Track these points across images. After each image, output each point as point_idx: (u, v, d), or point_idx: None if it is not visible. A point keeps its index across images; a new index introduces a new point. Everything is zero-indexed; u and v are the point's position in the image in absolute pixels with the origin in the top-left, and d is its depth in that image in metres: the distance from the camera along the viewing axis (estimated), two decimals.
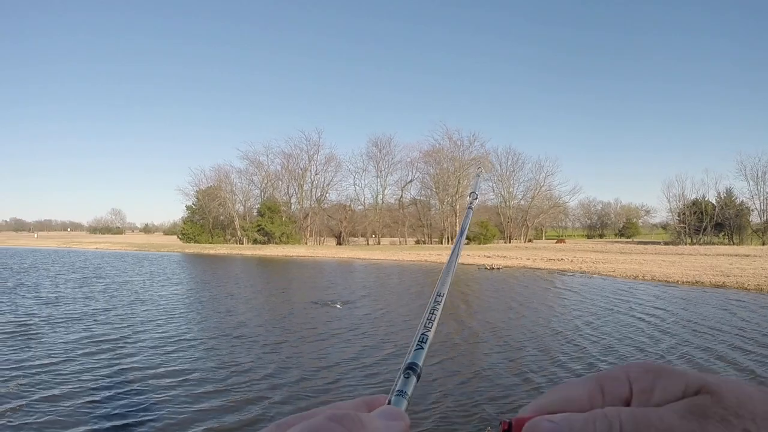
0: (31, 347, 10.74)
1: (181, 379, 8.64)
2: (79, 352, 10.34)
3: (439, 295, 0.72)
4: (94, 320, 14.05)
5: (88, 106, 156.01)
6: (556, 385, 0.42)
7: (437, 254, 46.76)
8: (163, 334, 12.28)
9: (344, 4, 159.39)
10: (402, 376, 0.54)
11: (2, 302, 17.40)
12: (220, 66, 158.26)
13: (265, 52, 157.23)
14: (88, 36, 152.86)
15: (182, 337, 12.01)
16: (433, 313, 0.67)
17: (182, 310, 16.36)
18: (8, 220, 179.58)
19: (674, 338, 12.04)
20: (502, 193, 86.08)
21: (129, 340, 11.59)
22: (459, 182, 75.24)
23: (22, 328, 12.67)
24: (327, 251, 56.78)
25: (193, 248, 65.71)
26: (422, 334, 0.62)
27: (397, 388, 0.53)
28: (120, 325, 13.36)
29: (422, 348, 0.59)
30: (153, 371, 9.07)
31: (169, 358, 10.10)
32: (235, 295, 20.69)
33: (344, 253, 54.45)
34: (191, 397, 7.66)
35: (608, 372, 0.44)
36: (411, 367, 0.55)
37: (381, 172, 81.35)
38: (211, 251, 60.51)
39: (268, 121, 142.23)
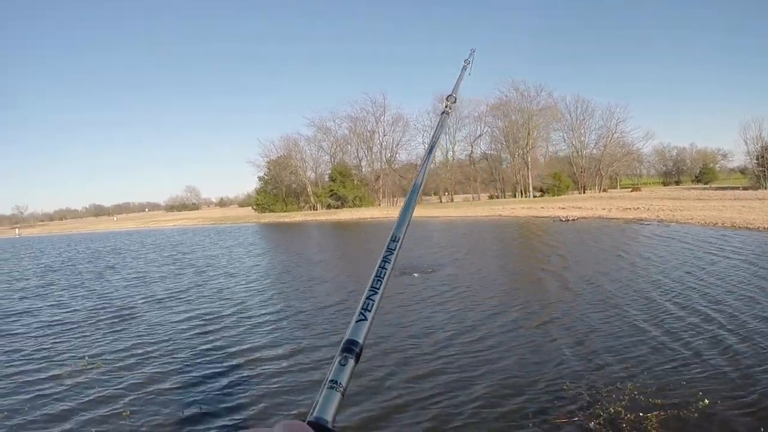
0: (137, 329, 11.04)
1: (276, 353, 8.82)
2: (187, 332, 10.53)
3: (394, 241, 0.69)
4: (188, 299, 14.35)
5: (157, 89, 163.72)
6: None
7: (511, 208, 47.41)
8: (257, 310, 12.35)
9: None
10: (337, 362, 0.47)
11: (96, 285, 18.22)
12: (280, 38, 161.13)
13: (324, 20, 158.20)
14: (159, 20, 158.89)
15: (267, 312, 12.14)
16: (383, 268, 0.59)
17: (269, 282, 16.75)
18: (88, 206, 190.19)
19: None
20: (573, 142, 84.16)
21: (229, 317, 11.79)
22: (529, 134, 74.54)
23: (126, 311, 12.96)
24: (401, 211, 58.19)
25: (268, 217, 69.09)
26: (366, 299, 0.52)
27: (329, 378, 0.46)
28: (217, 301, 13.63)
29: (364, 319, 0.49)
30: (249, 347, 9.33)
31: (259, 333, 10.28)
32: (312, 262, 21.26)
33: (417, 211, 55.23)
34: (283, 374, 7.77)
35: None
36: (348, 348, 0.47)
37: (449, 128, 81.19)
38: (287, 219, 63.69)
39: (333, 87, 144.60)
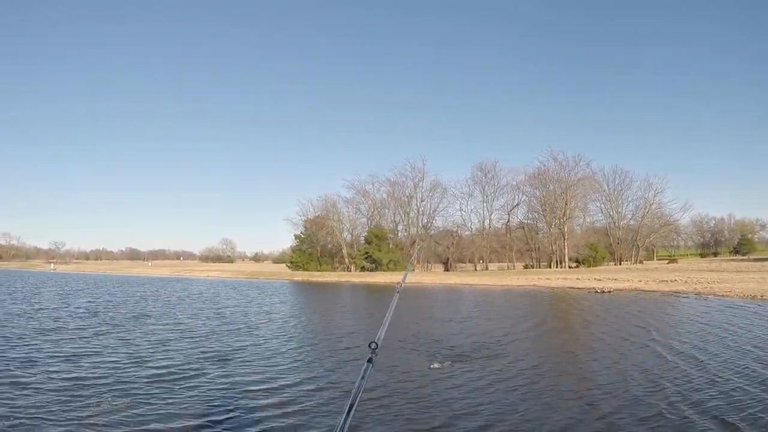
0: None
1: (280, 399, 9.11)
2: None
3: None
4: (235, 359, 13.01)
5: (203, 142, 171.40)
6: None
7: (546, 278, 47.72)
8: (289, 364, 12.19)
9: (444, 37, 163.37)
10: None
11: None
12: (323, 103, 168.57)
13: (368, 87, 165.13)
14: (202, 76, 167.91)
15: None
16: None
17: (292, 336, 17.05)
18: (124, 249, 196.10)
19: None
20: (611, 213, 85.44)
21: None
22: (566, 204, 75.65)
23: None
24: (435, 277, 59.34)
25: (301, 276, 70.53)
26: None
27: None
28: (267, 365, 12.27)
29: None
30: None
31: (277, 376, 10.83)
32: (337, 326, 20.11)
33: (452, 278, 56.66)
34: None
35: None
36: None
37: (487, 196, 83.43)
38: (320, 279, 64.91)
39: (374, 153, 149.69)
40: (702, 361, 11.62)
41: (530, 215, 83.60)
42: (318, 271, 77.27)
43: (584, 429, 7.32)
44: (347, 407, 1.89)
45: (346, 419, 1.83)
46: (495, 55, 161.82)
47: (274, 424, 7.70)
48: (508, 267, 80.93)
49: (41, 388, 9.55)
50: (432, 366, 11.72)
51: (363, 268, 75.50)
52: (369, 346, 2.36)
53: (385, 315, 2.90)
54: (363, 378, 2.08)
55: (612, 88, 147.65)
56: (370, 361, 2.25)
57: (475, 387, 9.92)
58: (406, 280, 4.23)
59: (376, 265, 74.51)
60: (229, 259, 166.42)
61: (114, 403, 8.62)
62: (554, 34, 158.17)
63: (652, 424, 7.42)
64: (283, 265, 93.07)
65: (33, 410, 8.17)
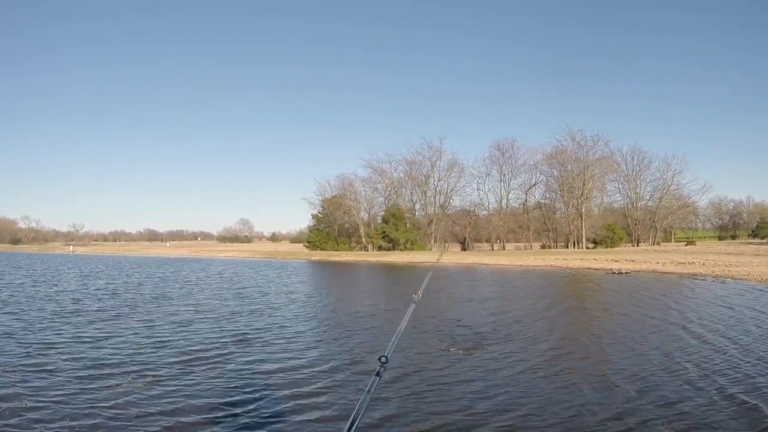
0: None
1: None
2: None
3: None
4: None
5: (216, 124, 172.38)
6: None
7: (563, 259, 47.93)
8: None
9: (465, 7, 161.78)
10: None
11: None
12: (340, 84, 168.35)
13: (385, 60, 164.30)
14: (220, 58, 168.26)
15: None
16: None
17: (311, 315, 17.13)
18: (142, 230, 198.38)
19: None
20: (629, 193, 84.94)
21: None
22: (584, 184, 75.55)
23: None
24: (452, 257, 59.67)
25: (318, 255, 71.11)
26: None
27: None
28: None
29: None
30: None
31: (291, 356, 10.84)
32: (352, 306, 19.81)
33: (469, 257, 57.15)
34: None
35: None
36: None
37: (504, 176, 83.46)
38: (337, 258, 65.45)
39: (390, 130, 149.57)
40: (724, 346, 11.42)
41: (548, 195, 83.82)
42: (335, 250, 77.71)
43: (608, 411, 7.26)
44: (349, 423, 1.82)
45: None
46: (514, 33, 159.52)
47: (293, 406, 7.73)
48: (525, 247, 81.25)
49: (62, 370, 9.60)
50: (450, 349, 11.39)
51: (380, 248, 75.88)
52: (379, 359, 2.25)
53: (398, 325, 2.83)
54: (369, 392, 2.01)
55: (632, 67, 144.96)
56: (378, 374, 2.16)
57: (495, 368, 9.79)
58: (423, 261, 4.17)
59: (393, 245, 74.91)
60: (247, 239, 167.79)
61: (135, 384, 8.65)
62: (577, 8, 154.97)
63: (677, 409, 7.31)
64: (301, 244, 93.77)
65: (54, 392, 8.18)
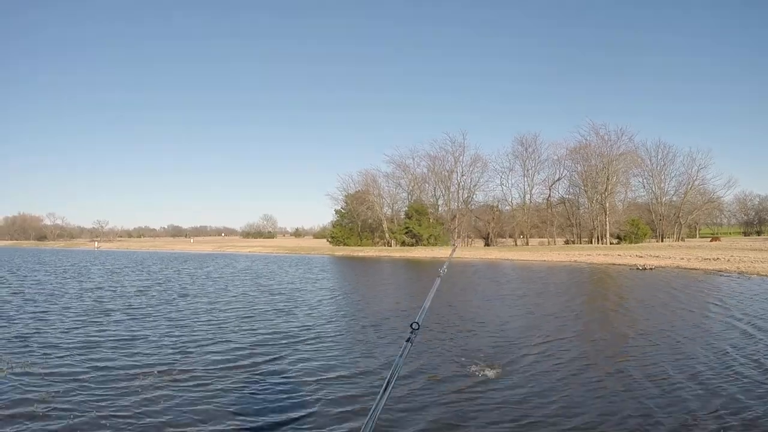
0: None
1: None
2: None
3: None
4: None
5: (239, 121, 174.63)
6: None
7: (587, 254, 48.09)
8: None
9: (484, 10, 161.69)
10: None
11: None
12: (363, 79, 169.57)
13: (406, 58, 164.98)
14: (241, 57, 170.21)
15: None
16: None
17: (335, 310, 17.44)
18: (166, 226, 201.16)
19: None
20: (653, 188, 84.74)
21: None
22: (608, 179, 75.32)
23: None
24: (475, 252, 60.39)
25: (342, 251, 71.84)
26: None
27: None
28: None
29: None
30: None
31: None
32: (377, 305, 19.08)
33: (492, 253, 57.81)
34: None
35: None
36: None
37: (528, 171, 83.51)
38: (360, 254, 66.18)
39: (413, 126, 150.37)
40: None
41: (571, 190, 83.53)
42: (358, 246, 78.39)
43: (661, 415, 6.99)
44: (385, 382, 1.94)
45: (383, 394, 1.87)
46: (537, 26, 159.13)
47: (320, 398, 7.88)
48: (548, 242, 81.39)
49: (88, 370, 9.47)
50: (473, 368, 9.50)
51: (403, 243, 76.39)
52: (410, 326, 2.39)
53: (426, 297, 2.94)
54: (402, 356, 2.13)
55: (657, 61, 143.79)
56: (409, 340, 2.30)
57: (546, 369, 9.48)
58: (447, 257, 4.33)
59: (416, 240, 75.32)
60: (270, 235, 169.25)
61: (160, 383, 8.63)
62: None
63: (728, 418, 6.85)
64: (324, 240, 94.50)
65: (84, 394, 8.07)
